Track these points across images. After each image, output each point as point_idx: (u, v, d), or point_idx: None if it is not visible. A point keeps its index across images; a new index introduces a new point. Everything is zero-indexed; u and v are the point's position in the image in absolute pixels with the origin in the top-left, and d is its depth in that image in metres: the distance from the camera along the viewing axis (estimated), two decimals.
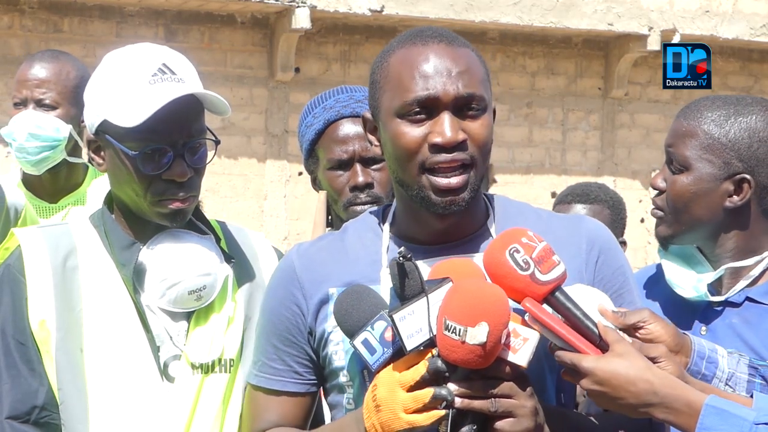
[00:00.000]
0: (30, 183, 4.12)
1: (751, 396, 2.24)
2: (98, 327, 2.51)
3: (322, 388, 2.42)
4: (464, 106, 2.26)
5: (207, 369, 2.56)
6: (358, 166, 3.15)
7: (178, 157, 2.49)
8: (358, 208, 3.12)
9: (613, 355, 2.13)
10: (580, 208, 4.30)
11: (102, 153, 2.57)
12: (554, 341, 2.17)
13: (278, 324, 2.39)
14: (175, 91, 2.45)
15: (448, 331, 2.08)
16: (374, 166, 3.15)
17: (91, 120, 2.56)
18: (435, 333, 2.12)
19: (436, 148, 2.24)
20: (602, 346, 2.16)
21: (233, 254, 2.64)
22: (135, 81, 2.48)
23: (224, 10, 10.67)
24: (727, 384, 2.41)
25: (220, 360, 2.57)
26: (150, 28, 10.50)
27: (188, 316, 2.57)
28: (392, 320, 2.11)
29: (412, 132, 2.25)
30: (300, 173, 10.57)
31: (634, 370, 2.12)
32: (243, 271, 2.65)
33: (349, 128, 3.16)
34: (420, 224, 2.33)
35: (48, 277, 2.52)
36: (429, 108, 2.25)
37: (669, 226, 2.81)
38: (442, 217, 2.29)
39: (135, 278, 2.53)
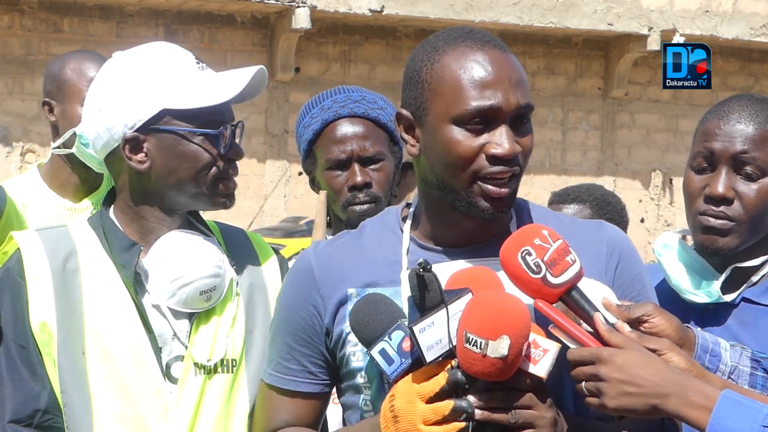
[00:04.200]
0: (56, 184, 4.11)
1: None
2: (100, 329, 2.51)
3: (335, 388, 2.41)
4: (520, 117, 2.25)
5: (210, 370, 2.56)
6: (356, 166, 3.16)
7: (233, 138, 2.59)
8: (357, 207, 3.13)
9: (630, 348, 2.15)
10: (560, 208, 4.34)
11: (144, 150, 2.55)
12: (568, 342, 2.16)
13: (294, 324, 2.37)
14: (248, 72, 2.55)
15: (469, 344, 2.07)
16: (372, 166, 3.17)
17: (136, 117, 2.52)
18: (455, 344, 2.11)
19: (495, 160, 2.22)
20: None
21: (233, 255, 2.65)
22: (185, 69, 2.54)
23: (224, 10, 10.68)
24: (729, 377, 2.41)
25: (222, 361, 2.57)
26: (150, 28, 10.50)
27: (190, 316, 2.58)
28: (412, 332, 2.09)
29: (469, 141, 2.21)
30: (300, 173, 10.58)
31: (653, 360, 2.14)
32: (243, 272, 2.66)
33: (347, 128, 3.17)
34: (448, 226, 2.31)
35: (48, 280, 2.52)
36: (489, 118, 2.22)
37: (740, 236, 2.73)
38: (474, 219, 2.28)
39: (137, 279, 2.54)
